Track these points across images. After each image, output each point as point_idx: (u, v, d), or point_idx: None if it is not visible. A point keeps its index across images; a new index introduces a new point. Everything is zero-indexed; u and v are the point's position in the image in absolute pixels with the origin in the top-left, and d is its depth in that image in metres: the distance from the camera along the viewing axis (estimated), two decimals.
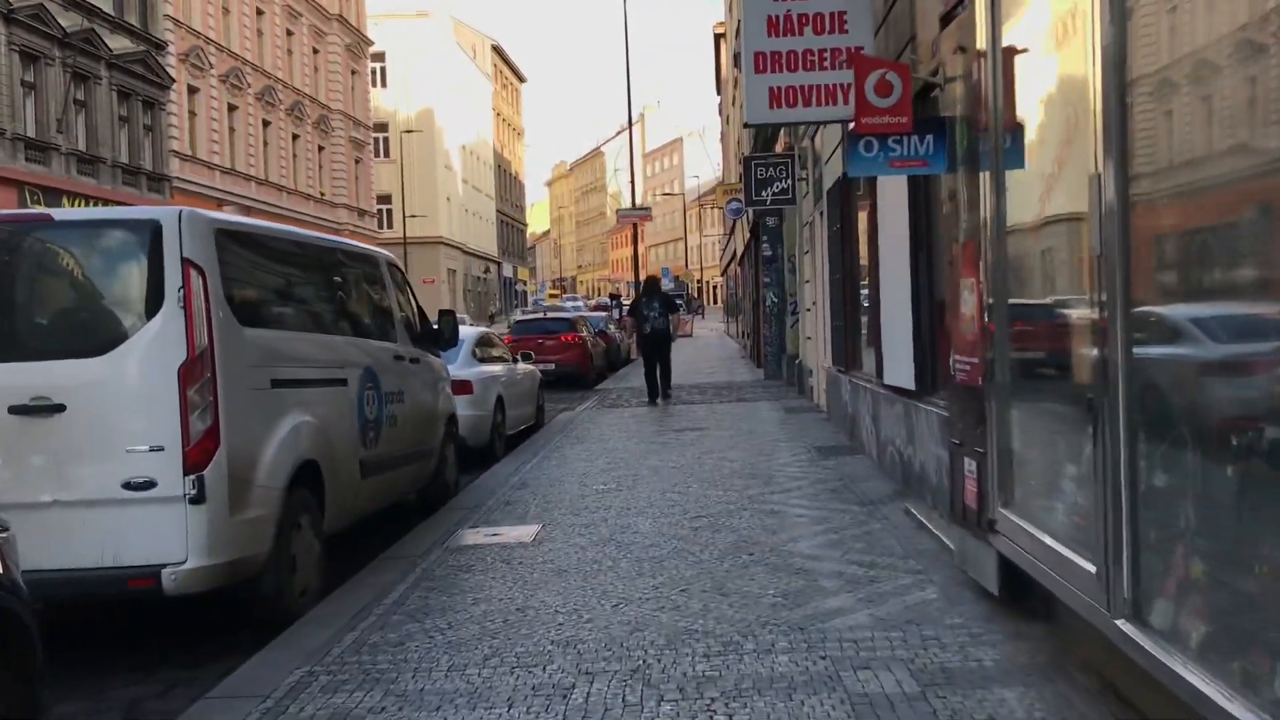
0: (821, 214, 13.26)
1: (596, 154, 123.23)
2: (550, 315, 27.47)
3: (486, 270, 73.77)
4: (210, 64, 35.02)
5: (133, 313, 4.96)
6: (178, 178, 32.66)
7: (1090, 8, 3.37)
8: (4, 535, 3.35)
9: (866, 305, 9.96)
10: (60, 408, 4.81)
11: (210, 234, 5.10)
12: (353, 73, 49.29)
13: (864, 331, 10.33)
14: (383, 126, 57.00)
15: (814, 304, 14.55)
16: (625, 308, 26.21)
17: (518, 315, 48.21)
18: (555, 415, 15.04)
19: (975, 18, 4.69)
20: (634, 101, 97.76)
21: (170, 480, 4.79)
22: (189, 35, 33.60)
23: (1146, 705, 3.23)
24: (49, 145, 26.46)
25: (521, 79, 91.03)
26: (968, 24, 4.85)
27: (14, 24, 24.90)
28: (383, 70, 58.55)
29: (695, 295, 78.38)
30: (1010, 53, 4.43)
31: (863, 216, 9.96)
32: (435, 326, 8.61)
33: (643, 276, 28.21)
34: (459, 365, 10.82)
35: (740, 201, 19.85)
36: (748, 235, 26.64)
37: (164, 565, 4.78)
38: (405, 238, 54.19)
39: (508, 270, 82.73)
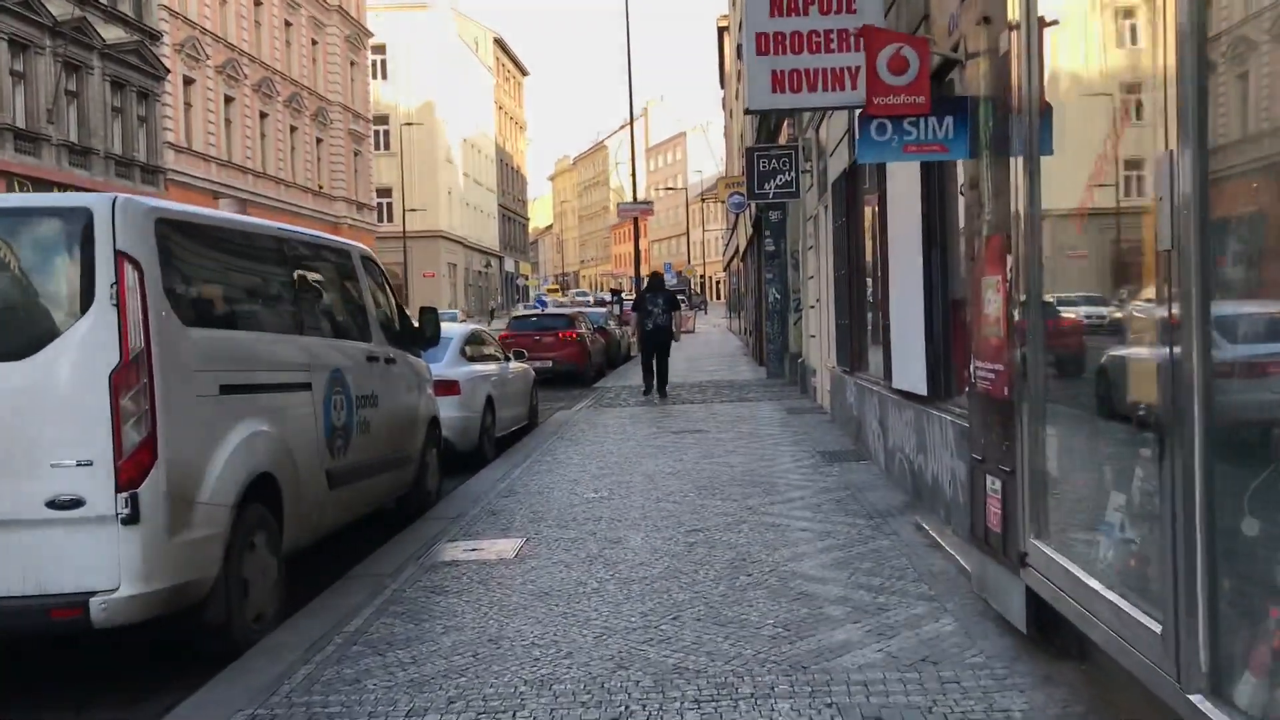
0: (826, 208, 12.75)
1: (599, 148, 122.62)
2: (547, 311, 26.97)
3: (487, 265, 73.24)
4: (206, 55, 34.50)
5: (61, 311, 4.45)
6: (172, 170, 32.16)
7: None
8: None
9: (873, 303, 9.44)
10: None
11: (149, 224, 4.59)
12: (352, 64, 48.76)
13: (871, 331, 9.82)
14: (383, 119, 56.44)
15: (818, 301, 14.04)
16: (627, 302, 25.85)
17: (519, 310, 47.71)
18: (551, 415, 14.55)
19: None
20: (638, 96, 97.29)
21: (100, 498, 4.28)
22: (184, 25, 33.08)
23: None
24: (39, 136, 25.96)
25: (524, 72, 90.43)
26: None
27: (2, 11, 24.39)
28: (383, 62, 57.98)
29: (698, 291, 77.86)
30: (1047, 23, 3.91)
31: (870, 209, 9.44)
32: (416, 324, 8.12)
33: (644, 272, 27.76)
34: (445, 365, 10.33)
35: (742, 195, 19.34)
36: (750, 230, 26.12)
37: (93, 593, 4.27)
38: (405, 231, 53.66)
39: (509, 265, 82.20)
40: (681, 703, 3.93)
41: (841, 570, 5.72)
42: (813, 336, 14.95)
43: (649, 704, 3.93)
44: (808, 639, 4.60)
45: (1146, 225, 2.90)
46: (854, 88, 7.39)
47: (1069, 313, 3.94)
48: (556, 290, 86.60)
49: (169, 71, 31.83)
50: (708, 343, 35.35)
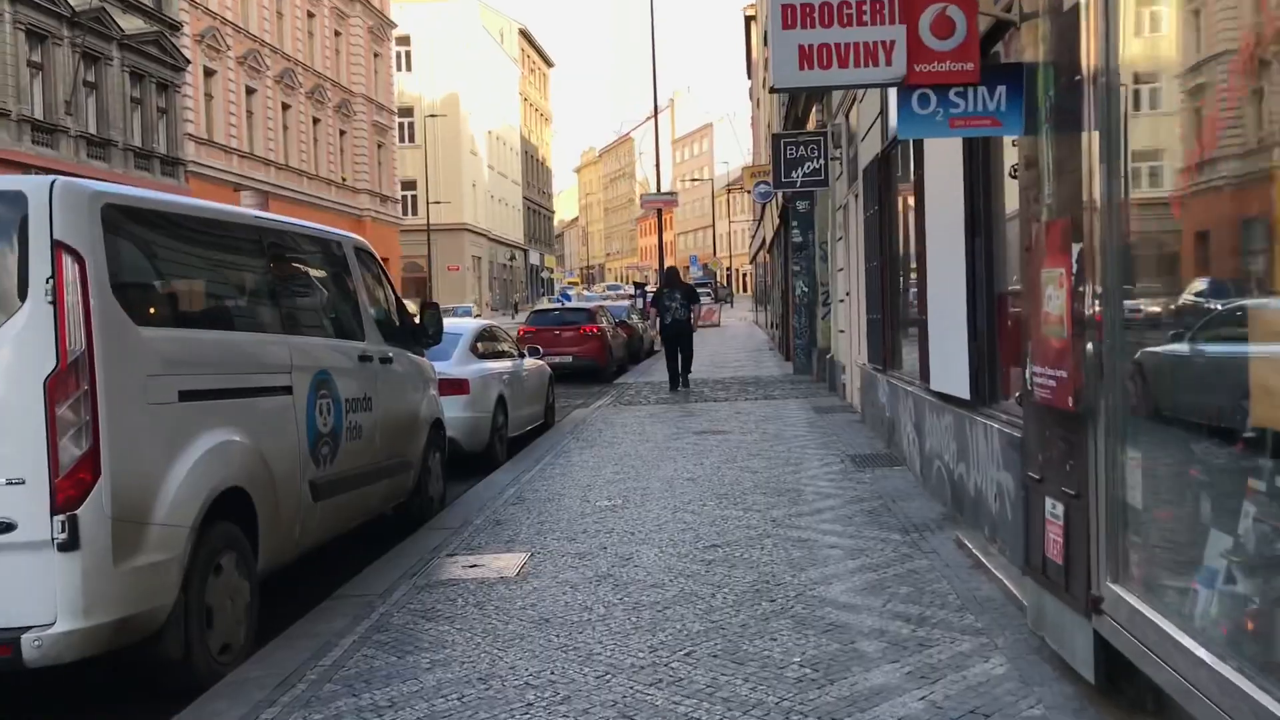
0: (856, 196, 12.11)
1: (625, 140, 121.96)
2: (568, 305, 26.44)
3: (512, 258, 72.90)
4: (227, 45, 34.19)
5: None
6: (193, 162, 31.89)
7: None
8: None
9: (909, 297, 8.82)
10: None
11: (94, 210, 4.08)
12: (375, 56, 48.40)
13: (906, 327, 9.20)
14: (407, 111, 56.13)
15: (848, 295, 13.40)
16: (650, 296, 25.45)
17: (543, 304, 47.21)
18: (568, 413, 14.02)
19: None
20: (664, 87, 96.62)
21: (34, 522, 3.79)
22: (204, 15, 32.77)
23: None
24: (57, 128, 25.71)
25: (549, 64, 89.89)
26: None
27: (20, 1, 24.11)
28: (407, 54, 57.65)
29: (724, 284, 77.08)
30: None
31: (905, 196, 8.82)
32: (418, 321, 7.60)
33: (669, 263, 27.19)
34: (454, 363, 9.82)
35: (769, 184, 18.69)
36: (777, 221, 25.46)
37: (25, 629, 3.77)
38: (429, 224, 53.34)
39: (534, 258, 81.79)
40: None
41: (876, 596, 5.14)
42: (842, 331, 14.32)
43: None
44: (839, 682, 4.03)
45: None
46: (888, 63, 6.73)
47: (1154, 307, 3.33)
48: (578, 283, 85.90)
49: (189, 62, 31.53)
50: (734, 336, 34.70)
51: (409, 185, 55.62)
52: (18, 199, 3.94)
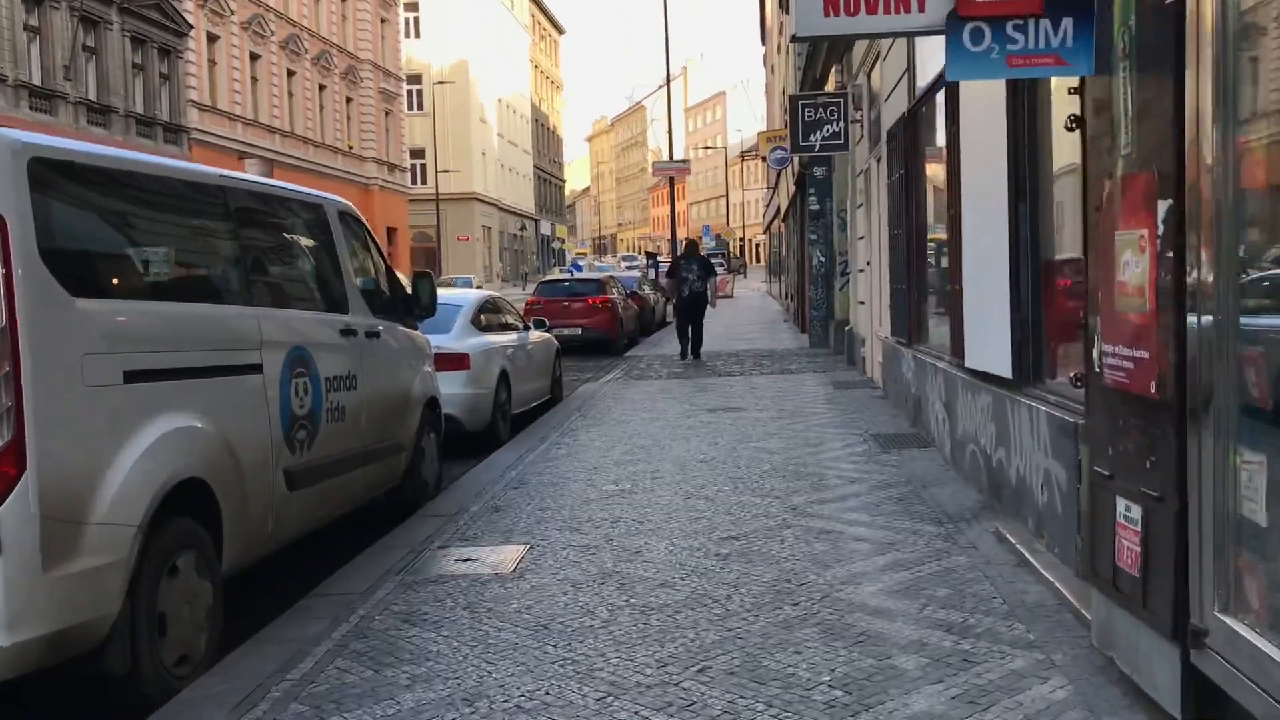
0: (879, 160, 11.49)
1: (637, 108, 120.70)
2: (578, 276, 25.85)
3: (523, 228, 72.20)
4: (230, 10, 33.52)
5: None
6: (196, 128, 31.34)
7: None
8: None
9: (939, 266, 8.23)
10: None
11: (19, 166, 3.53)
12: (383, 21, 47.61)
13: (935, 298, 8.62)
14: (416, 78, 55.32)
15: (868, 264, 12.81)
16: (663, 265, 24.93)
17: (555, 274, 46.59)
18: (576, 388, 13.49)
19: None
20: (676, 54, 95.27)
21: None
22: None
23: None
24: (55, 94, 25.18)
25: (560, 30, 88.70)
26: None
27: None
28: (415, 20, 56.75)
29: (737, 254, 76.25)
30: None
31: (935, 156, 8.20)
32: (410, 291, 7.06)
33: (680, 234, 26.56)
34: (453, 336, 9.29)
35: (785, 149, 18.07)
36: (792, 188, 24.76)
37: None
38: (438, 193, 52.68)
39: (545, 228, 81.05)
40: None
41: (911, 599, 4.60)
42: (862, 303, 13.73)
43: None
44: (874, 708, 3.50)
45: None
46: (922, 9, 6.15)
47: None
48: (587, 254, 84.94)
49: (192, 27, 30.91)
50: (747, 308, 34.05)
51: (418, 154, 54.92)
52: None
